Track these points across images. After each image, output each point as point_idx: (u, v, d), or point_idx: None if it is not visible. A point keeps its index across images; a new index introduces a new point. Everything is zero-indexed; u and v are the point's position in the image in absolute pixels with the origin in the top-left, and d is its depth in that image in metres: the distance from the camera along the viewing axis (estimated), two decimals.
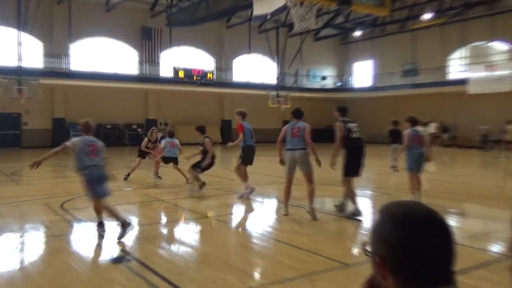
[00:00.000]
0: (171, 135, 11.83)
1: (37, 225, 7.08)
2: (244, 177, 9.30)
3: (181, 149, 11.43)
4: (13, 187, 11.33)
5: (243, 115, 9.73)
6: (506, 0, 25.84)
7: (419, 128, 9.22)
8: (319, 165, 7.46)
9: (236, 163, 9.56)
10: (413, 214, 1.11)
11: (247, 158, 9.37)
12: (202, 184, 9.89)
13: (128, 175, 11.94)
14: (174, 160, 11.50)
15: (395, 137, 14.25)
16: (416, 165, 8.59)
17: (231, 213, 8.49)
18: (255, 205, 9.18)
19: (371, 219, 7.46)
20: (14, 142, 26.54)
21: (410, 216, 1.11)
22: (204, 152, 9.92)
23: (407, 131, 8.72)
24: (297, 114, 7.71)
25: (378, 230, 1.14)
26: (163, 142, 11.80)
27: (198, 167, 9.87)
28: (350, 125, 7.56)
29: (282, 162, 7.75)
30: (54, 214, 7.77)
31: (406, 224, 1.09)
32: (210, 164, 10.03)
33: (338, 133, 7.48)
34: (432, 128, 27.55)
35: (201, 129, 10.25)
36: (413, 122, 8.83)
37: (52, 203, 8.70)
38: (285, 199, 7.61)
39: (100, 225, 6.28)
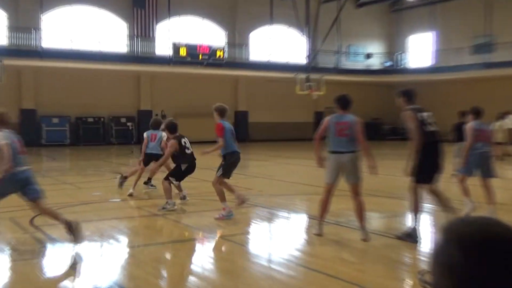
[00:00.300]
0: (155, 125, 11.58)
1: (0, 246, 7.18)
2: (223, 194, 8.80)
3: (165, 146, 10.67)
4: None
5: (221, 111, 9.16)
6: None
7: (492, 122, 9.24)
8: (375, 172, 7.22)
9: (214, 175, 9.02)
10: (490, 236, 1.08)
11: (229, 169, 8.93)
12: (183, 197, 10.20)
13: (125, 178, 11.85)
14: (155, 159, 11.29)
15: (461, 133, 13.99)
16: (478, 168, 8.76)
17: (247, 232, 8.48)
18: (278, 221, 9.15)
19: (431, 241, 7.37)
20: None
21: (486, 238, 1.07)
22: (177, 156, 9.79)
23: (469, 125, 8.92)
24: (344, 103, 7.36)
25: (442, 256, 1.12)
26: (144, 135, 11.77)
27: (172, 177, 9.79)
28: (423, 114, 7.32)
29: (320, 162, 7.39)
30: (22, 231, 7.87)
31: (479, 249, 1.06)
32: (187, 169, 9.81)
33: (410, 125, 7.15)
34: (510, 121, 26.89)
35: (170, 128, 10.01)
36: (477, 113, 8.99)
37: (19, 217, 8.81)
38: (321, 215, 7.45)
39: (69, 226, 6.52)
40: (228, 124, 9.13)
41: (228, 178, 9.01)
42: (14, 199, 11.40)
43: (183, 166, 9.62)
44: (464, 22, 33.27)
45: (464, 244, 1.08)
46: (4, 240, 7.44)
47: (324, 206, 7.34)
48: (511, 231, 1.09)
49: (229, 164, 8.89)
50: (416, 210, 7.36)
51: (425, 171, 7.16)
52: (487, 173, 8.81)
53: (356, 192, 7.20)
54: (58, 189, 12.43)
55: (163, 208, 9.34)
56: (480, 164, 8.76)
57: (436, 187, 7.66)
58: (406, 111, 7.27)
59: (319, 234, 7.38)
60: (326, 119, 7.41)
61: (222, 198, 8.77)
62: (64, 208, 9.83)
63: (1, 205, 10.32)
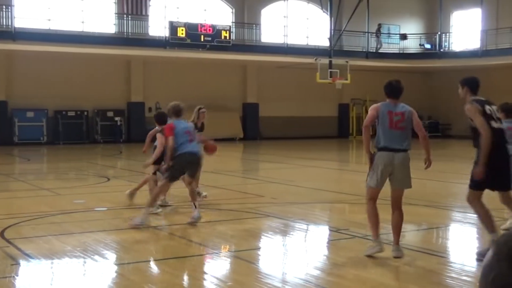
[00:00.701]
0: (160, 118, 11.32)
1: None
2: (156, 197, 9.63)
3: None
4: None
5: (176, 111, 9.61)
6: None
7: None
8: (428, 166, 7.42)
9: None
10: None
11: (175, 171, 9.37)
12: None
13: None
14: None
15: None
16: None
17: (258, 247, 8.49)
18: (294, 234, 9.16)
19: (479, 257, 7.35)
20: None
21: None
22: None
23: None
24: (396, 90, 7.40)
25: (493, 274, 1.13)
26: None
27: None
28: (489, 107, 7.26)
29: (372, 159, 7.20)
30: None
31: None
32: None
33: (476, 120, 7.02)
34: None
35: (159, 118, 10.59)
36: (509, 111, 9.00)
37: None
38: (374, 228, 7.21)
39: None
40: (182, 123, 9.60)
41: (172, 181, 9.56)
42: None
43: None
44: None
45: None
46: None
47: (375, 219, 7.17)
48: None
49: (175, 164, 9.29)
50: (487, 220, 7.21)
51: (491, 175, 6.99)
52: None
53: (400, 200, 7.20)
54: (33, 195, 12.49)
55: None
56: None
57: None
58: (471, 103, 7.18)
59: (379, 251, 7.14)
60: (376, 106, 7.23)
61: (154, 200, 9.62)
62: (41, 218, 9.90)
63: None
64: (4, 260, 7.28)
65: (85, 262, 7.31)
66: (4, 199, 12.52)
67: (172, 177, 9.35)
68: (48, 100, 28.36)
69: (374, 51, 35.96)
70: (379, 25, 36.53)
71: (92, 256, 7.46)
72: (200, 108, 12.14)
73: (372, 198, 7.20)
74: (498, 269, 1.12)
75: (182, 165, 9.34)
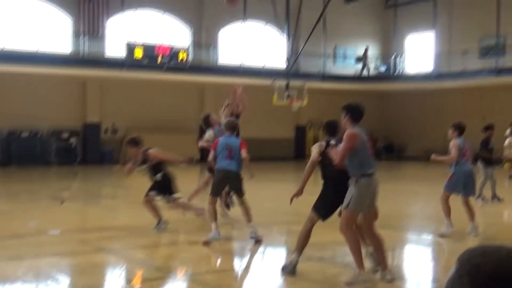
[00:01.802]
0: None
1: None
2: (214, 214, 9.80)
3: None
4: None
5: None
6: None
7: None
8: None
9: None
10: (508, 270, 1.11)
11: (215, 187, 9.93)
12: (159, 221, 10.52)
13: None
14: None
15: (488, 154, 14.83)
16: (463, 186, 10.16)
17: (215, 270, 8.46)
18: (252, 256, 9.14)
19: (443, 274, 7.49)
20: None
21: (503, 272, 1.11)
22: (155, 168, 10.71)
23: (455, 141, 10.20)
24: (360, 113, 7.44)
25: None
26: (208, 134, 12.16)
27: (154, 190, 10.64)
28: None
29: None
30: None
31: (496, 284, 1.09)
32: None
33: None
34: None
35: (134, 142, 11.03)
36: (462, 129, 10.40)
37: None
38: (361, 256, 7.09)
39: None
40: (223, 139, 10.12)
41: (216, 196, 10.07)
42: None
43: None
44: (470, 20, 33.86)
45: (478, 277, 1.11)
46: None
47: (381, 248, 7.17)
48: None
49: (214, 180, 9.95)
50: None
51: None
52: (468, 191, 10.25)
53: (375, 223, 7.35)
54: None
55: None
56: (466, 182, 10.11)
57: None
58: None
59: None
60: (355, 133, 7.08)
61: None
62: None
63: None
64: None
65: None
66: None
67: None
68: (0, 120, 27.92)
69: (360, 75, 36.48)
70: (366, 48, 37.07)
71: (45, 281, 7.34)
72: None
73: (354, 223, 7.20)
74: (460, 285, 1.13)
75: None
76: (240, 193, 10.01)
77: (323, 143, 7.41)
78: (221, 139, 9.99)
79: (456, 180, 10.15)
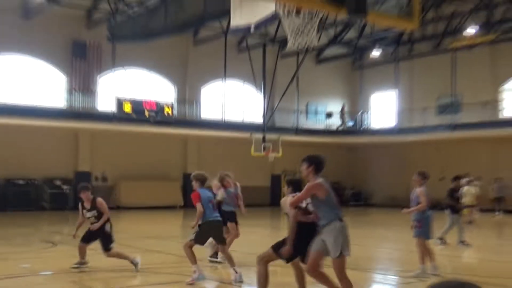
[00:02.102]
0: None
1: None
2: (193, 257, 9.55)
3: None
4: None
5: (201, 181, 9.91)
6: None
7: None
8: None
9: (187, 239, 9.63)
10: None
11: (201, 237, 9.70)
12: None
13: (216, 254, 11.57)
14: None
15: (455, 202, 14.93)
16: (430, 231, 10.48)
17: None
18: None
19: None
20: None
21: None
22: (99, 217, 10.63)
23: (422, 190, 10.39)
24: (323, 164, 7.45)
25: None
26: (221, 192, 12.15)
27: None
28: None
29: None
30: None
31: None
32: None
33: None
34: (477, 187, 27.32)
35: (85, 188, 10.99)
36: (426, 178, 10.70)
37: None
38: None
39: None
40: (205, 192, 9.91)
41: (202, 244, 9.88)
42: None
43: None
44: (429, 81, 34.55)
45: None
46: None
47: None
48: None
49: (202, 231, 9.61)
50: None
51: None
52: (430, 235, 10.47)
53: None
54: None
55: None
56: (430, 227, 10.42)
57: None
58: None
59: None
60: (319, 182, 7.07)
61: (193, 261, 9.45)
62: None
63: None
64: None
65: None
66: None
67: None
68: None
69: (337, 129, 36.79)
70: (343, 105, 37.53)
71: None
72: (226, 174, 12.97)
73: (320, 265, 7.16)
74: None
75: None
76: (224, 242, 10.12)
77: (291, 197, 7.42)
78: (202, 193, 9.80)
79: (426, 225, 10.27)
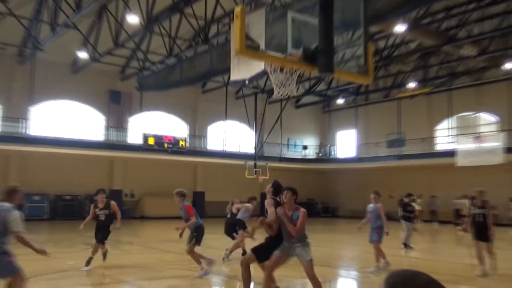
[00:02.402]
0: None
1: None
2: (197, 258, 9.43)
3: None
4: None
5: (184, 196, 9.68)
6: (492, 71, 27.34)
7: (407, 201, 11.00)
8: None
9: (189, 245, 9.38)
10: (425, 282, 1.14)
11: (200, 238, 9.57)
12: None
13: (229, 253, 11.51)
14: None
15: (409, 213, 14.71)
16: (383, 237, 10.43)
17: None
18: (229, 286, 8.92)
19: None
20: None
21: (423, 284, 1.13)
22: (109, 215, 10.55)
23: (380, 205, 10.46)
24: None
25: None
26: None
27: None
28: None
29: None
30: None
31: None
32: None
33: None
34: (418, 203, 27.53)
35: (102, 191, 11.05)
36: (379, 196, 10.77)
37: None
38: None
39: None
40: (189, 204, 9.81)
41: (200, 245, 9.58)
42: None
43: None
44: (380, 122, 34.76)
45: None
46: None
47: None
48: (434, 279, 1.15)
49: (199, 233, 9.48)
50: None
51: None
52: (382, 240, 10.43)
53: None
54: (34, 259, 11.75)
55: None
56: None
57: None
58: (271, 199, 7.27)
59: None
60: (305, 211, 6.94)
61: (198, 261, 9.31)
62: (40, 276, 9.33)
63: None
64: None
65: None
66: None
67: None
68: (50, 187, 27.33)
69: (317, 157, 36.87)
70: (322, 141, 37.65)
71: None
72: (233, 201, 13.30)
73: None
74: None
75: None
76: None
77: (272, 200, 7.19)
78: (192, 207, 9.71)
79: (381, 232, 10.27)
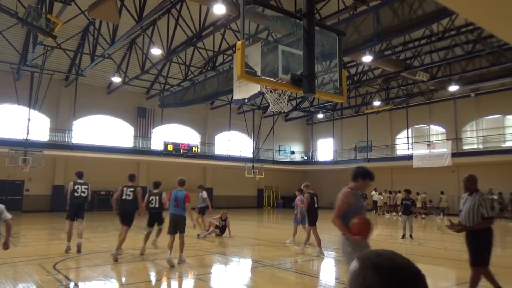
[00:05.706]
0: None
1: (29, 284, 6.59)
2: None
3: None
4: (10, 249, 10.66)
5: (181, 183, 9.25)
6: (440, 92, 27.47)
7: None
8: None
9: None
10: (399, 265, 0.96)
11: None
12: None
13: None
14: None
15: (406, 206, 13.55)
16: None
17: (210, 272, 8.09)
18: (230, 264, 8.84)
19: (349, 268, 7.26)
20: (16, 206, 25.42)
21: (396, 266, 0.95)
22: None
23: (307, 195, 10.95)
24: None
25: (359, 280, 0.97)
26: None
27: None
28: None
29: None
30: (46, 274, 7.28)
31: (392, 275, 0.94)
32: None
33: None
34: (383, 196, 27.88)
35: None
36: (301, 191, 11.20)
37: (45, 263, 8.19)
38: None
39: None
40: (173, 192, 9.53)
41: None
42: (42, 249, 10.64)
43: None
44: (352, 132, 34.78)
45: (379, 270, 0.95)
46: (32, 280, 6.85)
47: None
48: (409, 261, 0.99)
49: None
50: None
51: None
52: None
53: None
54: (74, 242, 11.71)
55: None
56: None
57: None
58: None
59: None
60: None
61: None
62: (79, 256, 9.24)
63: (32, 254, 9.62)
64: (55, 283, 6.69)
65: (105, 284, 6.79)
66: (58, 244, 11.69)
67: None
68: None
69: (304, 160, 36.58)
70: (311, 150, 37.45)
71: (110, 280, 6.97)
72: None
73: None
74: (363, 278, 0.96)
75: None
76: (182, 231, 8.57)
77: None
78: (172, 192, 8.80)
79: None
